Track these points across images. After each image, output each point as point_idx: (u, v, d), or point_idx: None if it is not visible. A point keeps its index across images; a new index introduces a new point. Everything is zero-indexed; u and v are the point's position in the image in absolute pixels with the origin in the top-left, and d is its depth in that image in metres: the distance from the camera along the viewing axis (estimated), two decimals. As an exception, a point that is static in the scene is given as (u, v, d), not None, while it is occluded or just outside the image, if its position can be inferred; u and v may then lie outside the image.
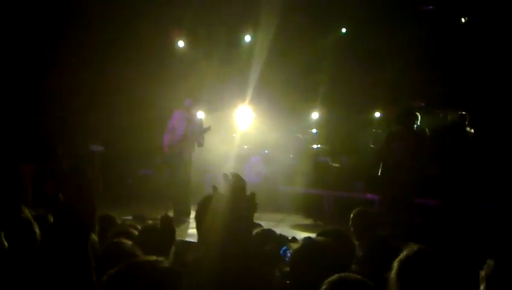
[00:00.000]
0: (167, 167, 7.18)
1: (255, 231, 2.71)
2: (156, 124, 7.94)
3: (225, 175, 1.94)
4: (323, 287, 1.68)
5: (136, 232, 3.01)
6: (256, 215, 5.97)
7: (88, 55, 8.51)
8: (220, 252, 1.73)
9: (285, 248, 2.35)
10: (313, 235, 2.98)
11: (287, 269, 2.17)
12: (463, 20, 9.56)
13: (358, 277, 1.72)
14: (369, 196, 7.61)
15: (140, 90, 8.85)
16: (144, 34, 9.04)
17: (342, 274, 1.73)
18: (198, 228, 2.11)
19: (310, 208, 7.74)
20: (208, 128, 6.99)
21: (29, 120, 7.23)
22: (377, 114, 10.30)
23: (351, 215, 3.62)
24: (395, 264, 1.93)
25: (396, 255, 1.97)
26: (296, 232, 6.28)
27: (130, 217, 5.91)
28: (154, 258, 1.60)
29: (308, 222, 7.21)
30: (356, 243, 3.13)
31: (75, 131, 8.28)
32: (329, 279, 1.73)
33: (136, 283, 1.44)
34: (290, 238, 3.03)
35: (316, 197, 8.22)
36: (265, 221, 6.61)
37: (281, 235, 2.96)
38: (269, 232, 2.82)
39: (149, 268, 1.50)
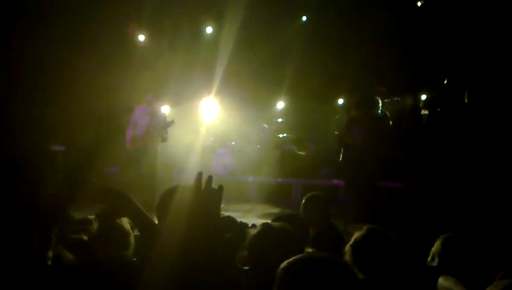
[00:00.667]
0: (131, 163, 7.05)
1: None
2: (118, 117, 7.78)
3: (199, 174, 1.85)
4: (280, 270, 1.66)
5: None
6: (223, 206, 5.94)
7: (45, 47, 8.18)
8: (181, 240, 1.71)
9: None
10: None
11: (245, 253, 2.19)
12: (419, 3, 9.77)
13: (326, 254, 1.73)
14: (335, 181, 7.74)
15: (101, 82, 8.60)
16: (105, 25, 8.79)
17: (298, 256, 1.72)
18: (159, 219, 2.08)
19: (277, 197, 7.80)
20: (172, 122, 6.91)
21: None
22: (341, 101, 10.46)
23: (303, 201, 3.65)
24: (348, 249, 1.98)
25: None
26: (264, 221, 6.31)
27: (92, 217, 5.80)
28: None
29: (276, 210, 7.25)
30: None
31: (32, 127, 7.97)
32: (289, 260, 1.72)
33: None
34: (250, 225, 3.05)
35: (284, 186, 8.29)
36: (232, 212, 6.61)
37: (241, 222, 2.98)
38: (230, 219, 2.81)
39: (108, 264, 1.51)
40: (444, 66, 9.45)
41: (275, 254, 1.90)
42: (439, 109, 8.05)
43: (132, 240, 2.80)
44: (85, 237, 2.88)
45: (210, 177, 1.89)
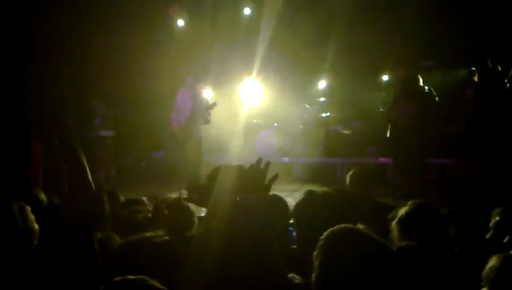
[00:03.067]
0: (177, 147, 7.18)
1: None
2: (163, 100, 7.95)
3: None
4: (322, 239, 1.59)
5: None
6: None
7: (90, 31, 8.37)
8: (226, 222, 1.70)
9: (291, 228, 2.36)
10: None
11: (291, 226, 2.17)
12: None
13: (360, 228, 1.70)
14: (381, 160, 7.57)
15: (145, 65, 8.76)
16: (147, 8, 8.92)
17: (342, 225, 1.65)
18: (205, 200, 2.10)
19: (323, 176, 7.74)
20: (214, 104, 6.95)
21: (32, 98, 6.92)
22: (385, 77, 10.14)
23: (348, 175, 3.64)
24: (394, 225, 1.93)
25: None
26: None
27: (145, 198, 5.99)
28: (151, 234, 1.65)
29: (323, 190, 7.20)
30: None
31: (79, 111, 8.19)
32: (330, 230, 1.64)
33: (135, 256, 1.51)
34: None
35: (329, 165, 8.20)
36: (279, 191, 6.65)
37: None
38: (277, 199, 2.79)
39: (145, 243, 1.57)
40: (495, 39, 8.93)
41: (321, 221, 1.88)
42: (490, 82, 7.64)
43: (196, 220, 2.86)
44: (140, 218, 2.98)
45: (268, 163, 1.85)
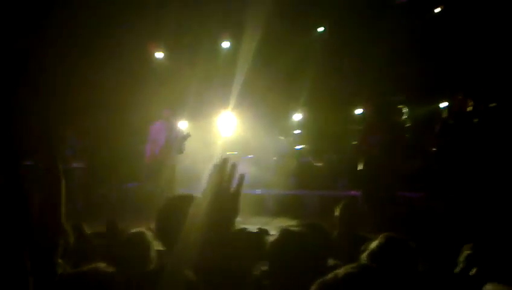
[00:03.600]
0: (150, 178, 7.13)
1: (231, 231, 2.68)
2: (137, 133, 7.91)
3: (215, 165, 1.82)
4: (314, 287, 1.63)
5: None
6: (240, 219, 5.96)
7: (65, 62, 8.34)
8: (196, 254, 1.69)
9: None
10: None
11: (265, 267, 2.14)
12: (436, 10, 9.68)
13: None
14: (353, 192, 7.66)
15: (120, 99, 8.75)
16: (125, 42, 8.97)
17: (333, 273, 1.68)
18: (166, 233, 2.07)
19: (295, 209, 7.76)
20: (188, 135, 6.99)
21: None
22: (359, 111, 10.39)
23: (339, 207, 3.70)
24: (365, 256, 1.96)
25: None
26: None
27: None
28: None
29: (294, 223, 7.18)
30: (335, 233, 3.21)
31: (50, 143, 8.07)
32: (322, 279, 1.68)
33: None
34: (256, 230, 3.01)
35: (301, 197, 8.24)
36: (250, 225, 6.61)
37: (260, 229, 2.94)
38: (245, 232, 2.79)
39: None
40: (464, 74, 9.32)
41: (297, 260, 1.89)
42: (458, 118, 7.92)
43: (153, 256, 2.80)
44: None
45: (234, 164, 1.83)
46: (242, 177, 1.65)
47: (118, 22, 8.79)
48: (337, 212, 3.71)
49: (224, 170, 1.69)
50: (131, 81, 9.04)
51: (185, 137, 6.96)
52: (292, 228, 2.10)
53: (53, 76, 7.85)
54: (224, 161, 1.68)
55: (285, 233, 2.06)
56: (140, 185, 8.79)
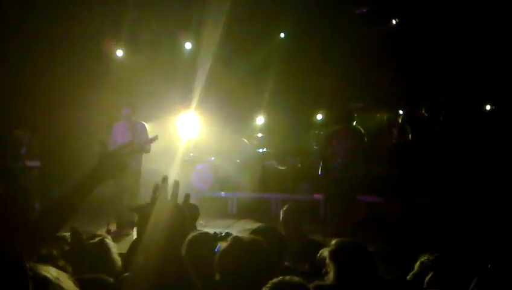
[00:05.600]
0: (113, 180, 6.92)
1: (190, 235, 2.66)
2: (96, 132, 7.69)
3: (164, 178, 1.88)
4: (268, 286, 1.68)
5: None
6: (203, 222, 5.94)
7: (20, 60, 8.08)
8: (155, 263, 1.68)
9: (219, 246, 2.30)
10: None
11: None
12: (394, 21, 10.02)
13: (298, 279, 1.74)
14: (315, 196, 7.76)
15: (79, 98, 8.50)
16: (82, 42, 8.74)
17: (286, 277, 1.74)
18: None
19: (258, 212, 7.78)
20: (155, 138, 6.85)
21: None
22: (319, 116, 10.56)
23: (282, 210, 3.86)
24: (327, 252, 2.00)
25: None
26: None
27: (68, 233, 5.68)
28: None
29: (257, 226, 7.22)
30: (283, 233, 3.29)
31: (5, 141, 7.80)
32: (273, 280, 1.74)
33: None
34: (223, 234, 3.01)
35: (264, 200, 8.27)
36: (213, 228, 6.58)
37: (214, 233, 2.95)
38: (204, 235, 2.78)
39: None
40: (421, 82, 9.68)
41: (245, 268, 1.88)
42: (417, 124, 8.20)
43: (116, 262, 2.77)
44: (55, 253, 2.82)
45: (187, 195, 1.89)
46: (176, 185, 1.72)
47: (77, 19, 8.54)
48: (281, 216, 3.81)
49: (165, 188, 1.73)
50: (89, 79, 8.79)
51: (152, 140, 6.83)
52: (242, 236, 2.07)
53: (7, 74, 7.57)
54: (165, 180, 1.73)
55: (234, 242, 2.03)
56: (101, 187, 8.53)
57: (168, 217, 1.88)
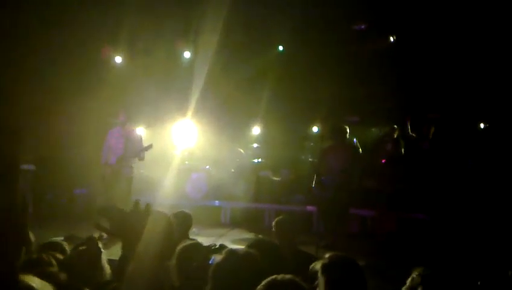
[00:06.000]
0: (105, 187, 6.91)
1: (182, 245, 2.66)
2: (91, 139, 7.69)
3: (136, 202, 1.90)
4: (262, 284, 1.69)
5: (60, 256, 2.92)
6: (196, 230, 5.92)
7: (19, 67, 8.09)
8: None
9: (213, 258, 2.31)
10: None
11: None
12: (392, 39, 10.15)
13: (290, 277, 1.75)
14: (308, 208, 7.78)
15: (75, 104, 8.52)
16: (79, 48, 8.78)
17: (278, 276, 1.75)
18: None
19: (251, 222, 7.79)
20: (150, 146, 6.87)
21: None
22: (315, 129, 10.62)
23: (274, 222, 3.88)
24: (319, 266, 2.01)
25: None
26: (237, 246, 6.27)
27: (61, 238, 5.66)
28: None
29: (249, 235, 7.22)
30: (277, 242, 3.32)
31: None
32: (266, 279, 1.75)
33: None
34: (217, 245, 3.01)
35: (257, 211, 8.28)
36: (206, 237, 6.58)
37: (209, 246, 2.94)
38: (196, 246, 2.77)
39: None
40: (416, 98, 9.78)
41: (238, 282, 1.89)
42: (411, 140, 8.28)
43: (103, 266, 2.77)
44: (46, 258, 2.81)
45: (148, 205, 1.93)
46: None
47: (74, 25, 8.59)
48: (274, 227, 3.83)
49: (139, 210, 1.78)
50: (86, 86, 8.81)
51: (147, 148, 6.84)
52: (237, 249, 2.06)
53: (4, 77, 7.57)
54: (136, 204, 1.77)
55: (228, 255, 2.03)
56: (88, 192, 8.53)
57: (156, 228, 1.91)
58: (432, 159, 7.73)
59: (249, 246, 2.58)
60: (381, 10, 9.14)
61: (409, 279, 3.00)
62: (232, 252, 2.03)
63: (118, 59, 10.06)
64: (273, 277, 1.72)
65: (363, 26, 10.08)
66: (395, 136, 8.11)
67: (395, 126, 8.36)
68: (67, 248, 3.16)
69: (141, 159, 6.92)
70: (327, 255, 2.23)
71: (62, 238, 5.40)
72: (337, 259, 2.23)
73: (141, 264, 1.82)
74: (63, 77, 8.62)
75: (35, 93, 8.23)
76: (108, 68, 9.83)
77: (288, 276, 1.75)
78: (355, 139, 7.03)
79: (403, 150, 7.79)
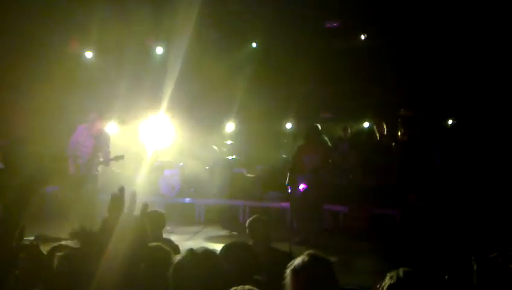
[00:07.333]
0: (73, 186, 6.77)
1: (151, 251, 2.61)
2: (61, 135, 7.52)
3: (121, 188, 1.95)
4: None
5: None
6: (170, 228, 5.89)
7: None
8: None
9: None
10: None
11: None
12: (363, 36, 10.30)
13: (248, 287, 1.77)
14: (282, 204, 7.83)
15: (45, 99, 8.31)
16: (48, 43, 8.57)
17: (238, 287, 1.76)
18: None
19: (225, 219, 7.78)
20: (121, 157, 6.76)
21: None
22: (288, 125, 10.68)
23: (247, 222, 3.88)
24: (288, 273, 2.02)
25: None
26: (211, 244, 6.27)
27: (32, 238, 5.53)
28: None
29: (224, 233, 7.22)
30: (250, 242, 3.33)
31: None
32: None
33: None
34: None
35: (232, 207, 8.28)
36: (179, 235, 6.55)
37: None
38: (166, 254, 2.70)
39: None
40: (386, 96, 9.96)
41: (200, 280, 1.87)
42: (382, 137, 8.44)
43: None
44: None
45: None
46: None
47: (43, 19, 8.38)
48: (247, 227, 3.84)
49: (121, 199, 1.81)
50: (56, 81, 8.61)
51: (118, 159, 6.75)
52: (197, 249, 2.02)
53: None
54: (121, 190, 1.80)
55: (189, 254, 1.98)
56: (58, 190, 8.35)
57: (128, 231, 1.91)
58: (402, 155, 7.89)
59: (224, 248, 2.57)
60: (354, 7, 9.26)
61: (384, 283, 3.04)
62: (191, 251, 1.98)
63: (89, 54, 9.86)
64: (235, 287, 1.73)
65: (335, 24, 10.19)
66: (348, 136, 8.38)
67: (346, 126, 8.66)
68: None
69: (106, 165, 6.84)
70: (301, 256, 2.24)
71: (33, 238, 5.31)
72: (308, 259, 2.24)
73: (111, 266, 1.81)
74: (33, 73, 8.40)
75: (2, 88, 8.01)
76: (78, 62, 9.62)
77: (247, 287, 1.76)
78: (326, 138, 7.11)
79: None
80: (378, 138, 8.40)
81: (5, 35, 8.05)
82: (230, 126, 10.61)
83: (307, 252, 2.24)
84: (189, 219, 8.16)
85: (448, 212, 6.54)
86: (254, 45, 10.74)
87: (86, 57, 9.80)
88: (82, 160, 6.61)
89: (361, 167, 7.95)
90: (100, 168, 6.91)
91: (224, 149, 9.87)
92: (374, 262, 5.27)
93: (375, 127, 8.57)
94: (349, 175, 8.08)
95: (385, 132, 8.30)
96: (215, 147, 9.50)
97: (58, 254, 2.53)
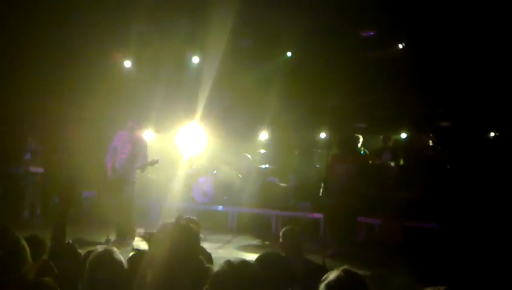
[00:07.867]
0: (110, 190, 6.92)
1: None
2: (100, 145, 7.73)
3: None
4: None
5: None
6: (203, 236, 5.92)
7: (30, 74, 8.26)
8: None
9: None
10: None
11: None
12: (400, 46, 10.12)
13: None
14: (315, 215, 7.75)
15: (85, 108, 8.60)
16: (88, 54, 8.88)
17: None
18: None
19: (257, 228, 7.77)
20: (156, 162, 6.87)
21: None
22: (323, 135, 10.59)
23: (280, 232, 3.83)
24: (322, 287, 1.98)
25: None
26: (243, 253, 6.27)
27: (70, 241, 5.69)
28: None
29: (256, 242, 7.21)
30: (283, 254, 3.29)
31: (14, 151, 7.94)
32: None
33: None
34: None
35: (264, 217, 8.26)
36: (212, 243, 6.56)
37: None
38: (208, 271, 2.71)
39: None
40: (423, 106, 9.74)
41: None
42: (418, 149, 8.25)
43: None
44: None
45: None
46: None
47: (84, 28, 8.70)
48: (280, 238, 3.80)
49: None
50: (96, 89, 8.90)
51: (153, 163, 6.86)
52: (234, 261, 1.99)
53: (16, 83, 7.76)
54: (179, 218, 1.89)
55: (227, 266, 1.95)
56: (95, 196, 8.57)
57: (175, 238, 2.01)
58: (440, 167, 7.68)
59: (258, 260, 2.55)
60: (390, 17, 9.13)
61: None
62: (229, 262, 1.96)
63: (127, 64, 10.13)
64: None
65: (371, 33, 10.07)
66: (391, 144, 8.15)
67: (404, 135, 8.37)
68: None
69: (142, 171, 6.95)
70: (335, 271, 2.20)
71: (71, 241, 5.45)
72: (344, 276, 2.19)
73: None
74: (73, 81, 8.71)
75: (44, 97, 8.35)
76: (119, 74, 9.91)
77: None
78: (363, 150, 7.01)
79: (401, 160, 7.78)
80: (417, 149, 8.20)
81: (55, 50, 8.44)
82: (263, 135, 10.62)
83: (342, 267, 2.19)
84: (222, 226, 8.19)
85: (489, 227, 6.30)
86: (289, 54, 10.75)
87: (125, 68, 10.07)
88: (119, 165, 6.76)
89: (399, 178, 7.78)
90: (137, 174, 7.05)
91: (258, 158, 9.88)
92: (409, 278, 5.12)
93: (414, 138, 8.38)
94: (386, 186, 7.91)
95: (424, 143, 8.10)
96: (248, 156, 9.53)
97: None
